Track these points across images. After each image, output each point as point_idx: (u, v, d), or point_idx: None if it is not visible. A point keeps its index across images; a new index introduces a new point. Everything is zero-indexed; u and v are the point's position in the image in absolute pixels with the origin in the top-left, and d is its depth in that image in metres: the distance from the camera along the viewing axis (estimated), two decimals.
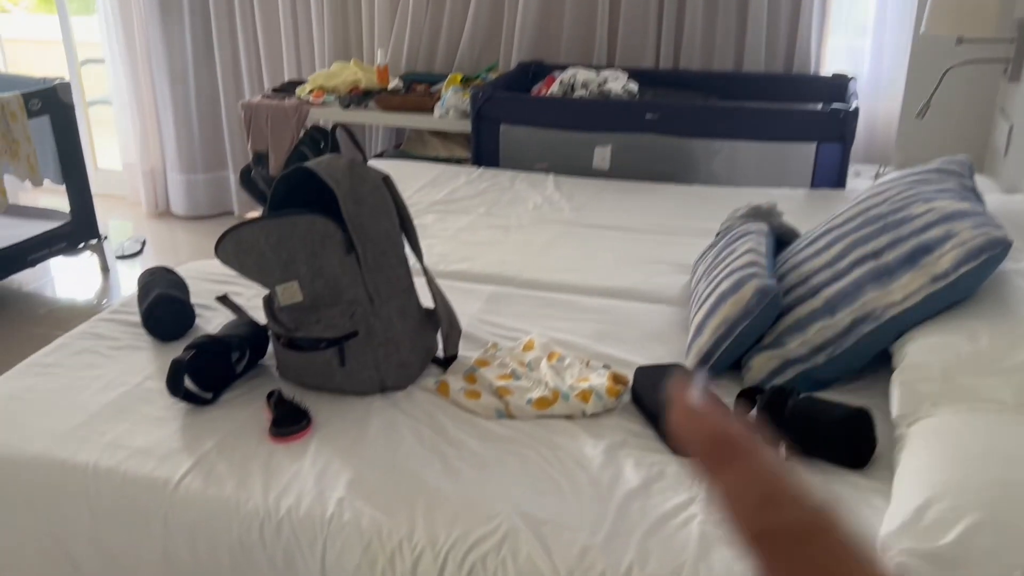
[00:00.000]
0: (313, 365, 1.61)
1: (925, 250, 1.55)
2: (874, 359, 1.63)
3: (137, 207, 4.48)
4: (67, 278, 3.68)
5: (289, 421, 1.53)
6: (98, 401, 1.60)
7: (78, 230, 3.49)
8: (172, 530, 1.37)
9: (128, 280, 3.67)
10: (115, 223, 4.33)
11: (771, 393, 1.50)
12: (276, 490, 1.37)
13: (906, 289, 1.54)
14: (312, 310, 1.60)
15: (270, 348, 1.76)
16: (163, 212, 4.42)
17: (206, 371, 1.63)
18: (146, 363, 1.76)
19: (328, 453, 1.47)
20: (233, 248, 1.57)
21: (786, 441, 1.47)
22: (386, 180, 1.67)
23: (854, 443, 1.42)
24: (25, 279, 3.64)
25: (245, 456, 1.46)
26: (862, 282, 1.61)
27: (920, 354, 1.47)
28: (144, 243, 3.98)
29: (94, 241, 3.58)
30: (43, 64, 5.10)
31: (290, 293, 1.58)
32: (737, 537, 0.27)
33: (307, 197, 1.67)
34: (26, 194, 4.49)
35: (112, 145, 4.54)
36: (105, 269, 3.66)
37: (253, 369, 1.74)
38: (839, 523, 0.26)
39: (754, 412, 1.56)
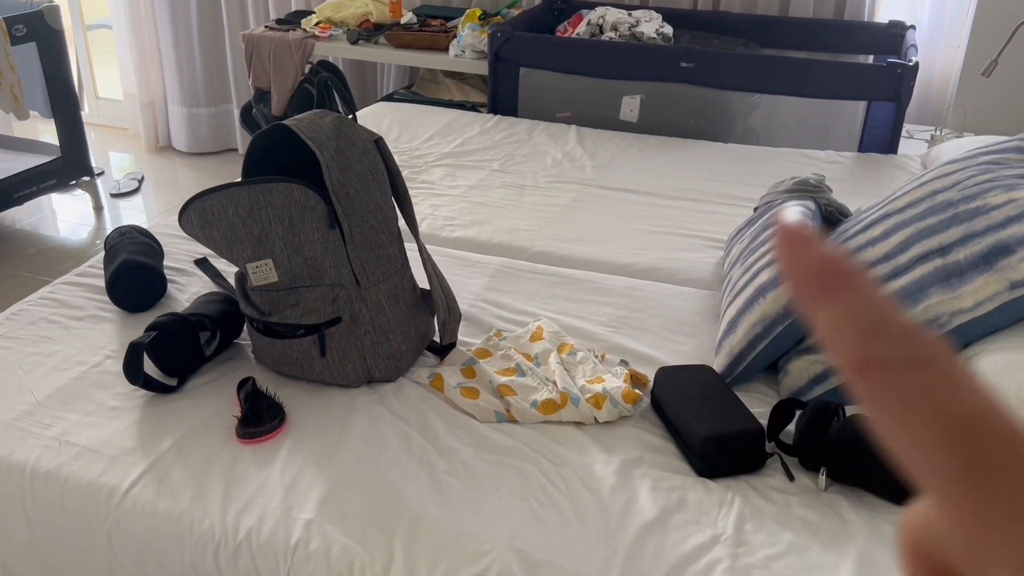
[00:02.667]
0: (290, 354, 1.42)
1: (1004, 250, 1.32)
2: None
3: (139, 140, 4.26)
4: (64, 216, 3.49)
5: (260, 419, 1.34)
6: (48, 384, 1.42)
7: (69, 166, 3.28)
8: (117, 548, 1.20)
9: (126, 219, 3.47)
10: (116, 157, 4.12)
11: (813, 411, 1.30)
12: (237, 506, 1.19)
13: (978, 295, 1.32)
14: (289, 292, 1.40)
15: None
16: (164, 147, 4.20)
17: (170, 354, 1.44)
18: (109, 337, 1.57)
19: (301, 459, 1.28)
20: (198, 219, 1.36)
21: (827, 468, 1.28)
22: (378, 142, 1.45)
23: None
24: (19, 216, 3.45)
25: (207, 459, 1.28)
26: (925, 283, 1.39)
27: (992, 374, 1.26)
28: (142, 180, 3.77)
29: (87, 178, 3.37)
30: None
31: (263, 272, 1.38)
32: (839, 367, 0.23)
33: (287, 160, 1.46)
34: (22, 124, 4.28)
35: (115, 73, 4.30)
36: (98, 208, 3.46)
37: (227, 350, 1.55)
38: (949, 355, 0.21)
39: (792, 431, 1.36)
